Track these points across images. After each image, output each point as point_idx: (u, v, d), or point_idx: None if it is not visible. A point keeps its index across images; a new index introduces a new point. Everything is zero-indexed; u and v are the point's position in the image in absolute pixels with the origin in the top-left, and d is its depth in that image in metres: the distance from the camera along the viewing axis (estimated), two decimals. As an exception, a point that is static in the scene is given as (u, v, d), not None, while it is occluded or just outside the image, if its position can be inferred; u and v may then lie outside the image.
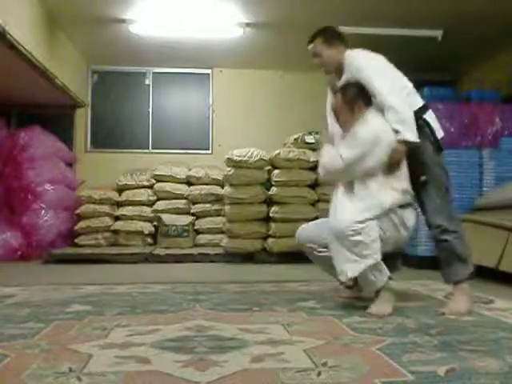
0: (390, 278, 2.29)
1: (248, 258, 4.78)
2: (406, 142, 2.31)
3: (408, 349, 1.68)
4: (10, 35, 3.86)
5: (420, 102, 2.50)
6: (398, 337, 1.85)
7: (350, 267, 2.22)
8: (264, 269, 4.31)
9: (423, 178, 2.42)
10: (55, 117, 6.17)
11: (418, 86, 4.57)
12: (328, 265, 2.43)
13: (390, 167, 2.33)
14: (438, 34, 5.10)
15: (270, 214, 4.77)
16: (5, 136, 5.46)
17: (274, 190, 4.81)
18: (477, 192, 4.26)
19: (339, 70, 2.57)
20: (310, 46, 2.60)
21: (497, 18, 4.74)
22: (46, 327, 2.00)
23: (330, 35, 2.59)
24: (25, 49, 4.16)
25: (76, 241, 5.59)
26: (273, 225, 4.77)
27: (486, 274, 3.53)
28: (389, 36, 5.16)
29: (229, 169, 4.84)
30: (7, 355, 1.61)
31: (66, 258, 4.78)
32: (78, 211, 5.67)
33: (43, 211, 5.23)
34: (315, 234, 2.51)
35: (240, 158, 4.75)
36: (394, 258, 2.69)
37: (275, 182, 4.82)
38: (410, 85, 2.57)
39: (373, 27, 5.01)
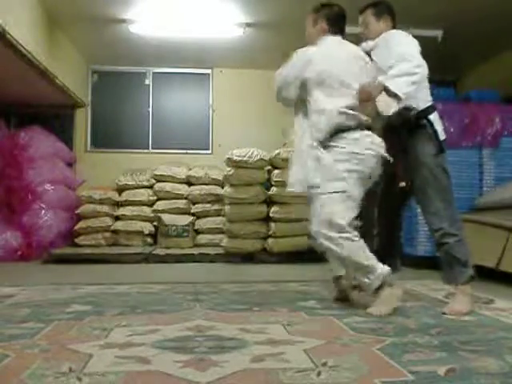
0: (389, 283, 2.29)
1: (248, 258, 4.78)
2: (382, 88, 2.26)
3: (408, 349, 1.68)
4: (10, 35, 3.86)
5: (429, 102, 2.51)
6: (398, 337, 1.85)
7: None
8: (264, 269, 4.31)
9: (402, 184, 2.45)
10: (55, 117, 6.17)
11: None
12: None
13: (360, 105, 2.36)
14: (437, 33, 5.10)
15: (270, 214, 4.77)
16: (5, 136, 5.46)
17: (273, 189, 4.81)
18: (477, 192, 4.26)
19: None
20: (361, 17, 2.75)
21: (497, 17, 4.74)
22: (45, 327, 2.00)
23: (381, 8, 2.68)
24: (25, 49, 4.16)
25: (76, 241, 5.59)
26: (273, 225, 4.77)
27: (486, 274, 3.53)
28: (389, 36, 5.15)
29: (229, 169, 4.84)
30: (7, 355, 1.61)
31: (66, 257, 4.77)
32: (78, 211, 5.67)
33: (43, 211, 5.23)
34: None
35: (240, 158, 4.75)
36: (394, 259, 2.70)
37: (275, 182, 4.82)
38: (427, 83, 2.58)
39: (373, 27, 5.00)
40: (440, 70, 6.31)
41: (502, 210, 3.80)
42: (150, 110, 6.53)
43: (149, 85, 6.54)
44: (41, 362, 1.55)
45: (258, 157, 4.79)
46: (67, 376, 1.41)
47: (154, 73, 6.55)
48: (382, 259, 2.44)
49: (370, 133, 2.38)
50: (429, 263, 4.12)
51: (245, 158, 4.74)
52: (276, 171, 4.85)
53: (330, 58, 2.47)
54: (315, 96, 2.40)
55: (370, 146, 2.33)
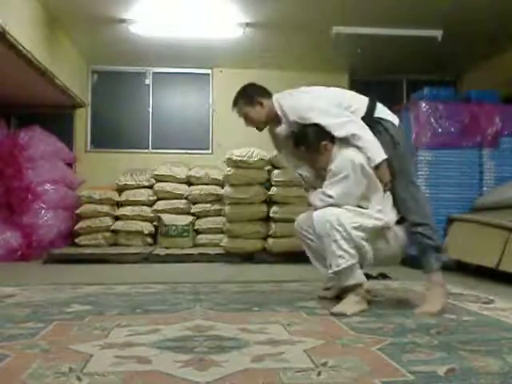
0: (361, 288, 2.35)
1: (248, 258, 4.78)
2: (380, 164, 2.35)
3: (408, 349, 1.68)
4: (10, 35, 3.86)
5: (364, 103, 2.50)
6: (398, 337, 1.85)
7: (335, 262, 2.26)
8: (264, 269, 4.31)
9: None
10: (55, 117, 6.18)
11: (418, 85, 4.62)
12: (318, 255, 2.48)
13: (385, 189, 2.39)
14: (437, 34, 5.09)
15: (270, 214, 4.78)
16: (5, 136, 5.46)
17: (274, 189, 4.81)
18: (477, 192, 4.26)
19: (273, 120, 2.60)
20: (235, 111, 2.66)
21: (497, 17, 4.74)
22: (45, 327, 2.00)
23: (249, 94, 2.62)
24: (25, 49, 4.16)
25: (76, 241, 5.59)
26: (273, 225, 4.78)
27: (486, 274, 3.54)
28: (389, 36, 5.16)
29: (229, 169, 4.84)
30: (7, 355, 1.61)
31: (66, 258, 4.78)
32: (77, 211, 5.67)
33: (43, 211, 5.24)
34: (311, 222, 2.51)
35: (240, 158, 4.75)
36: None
37: (275, 182, 4.82)
38: (346, 94, 2.60)
39: (373, 27, 5.02)
40: (440, 70, 6.34)
41: (502, 210, 3.80)
42: (150, 110, 6.53)
43: (149, 85, 6.54)
44: (41, 361, 1.55)
45: (258, 157, 4.79)
46: (67, 376, 1.41)
47: (153, 73, 6.55)
48: None
49: None
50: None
51: (245, 158, 4.75)
52: (276, 171, 4.85)
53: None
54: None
55: None
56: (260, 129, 2.70)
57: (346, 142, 2.40)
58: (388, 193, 2.41)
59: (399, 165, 2.44)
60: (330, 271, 2.31)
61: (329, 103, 2.46)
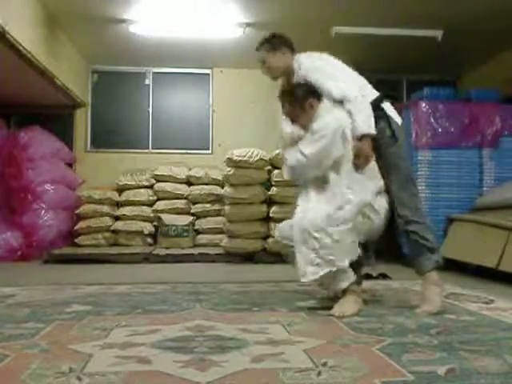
0: (358, 283, 2.34)
1: (248, 257, 4.78)
2: (365, 136, 2.32)
3: (408, 349, 1.68)
4: (10, 35, 3.86)
5: (374, 94, 2.52)
6: (398, 337, 1.85)
7: (311, 270, 2.21)
8: (264, 269, 4.31)
9: None
10: (55, 117, 6.18)
11: (418, 85, 4.61)
12: None
13: (360, 164, 2.33)
14: (437, 34, 5.10)
15: (270, 214, 4.77)
16: (5, 136, 5.46)
17: (274, 190, 4.81)
18: (477, 192, 4.26)
19: (287, 74, 2.61)
20: (258, 54, 2.66)
21: (497, 17, 4.74)
22: (45, 327, 2.00)
23: (275, 41, 2.64)
24: (25, 49, 4.16)
25: (76, 241, 5.59)
26: (273, 225, 4.77)
27: (486, 274, 3.54)
28: (389, 36, 5.16)
29: (229, 169, 4.84)
30: (7, 355, 1.61)
31: (66, 258, 4.77)
32: (77, 211, 5.67)
33: (43, 211, 5.24)
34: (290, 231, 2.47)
35: (240, 158, 4.75)
36: (367, 257, 2.72)
37: (275, 182, 4.82)
38: (362, 78, 2.61)
39: (373, 27, 5.02)
40: (440, 69, 6.33)
41: (502, 210, 3.80)
42: (150, 110, 6.53)
43: (149, 85, 6.54)
44: (41, 362, 1.55)
45: (258, 157, 4.79)
46: (67, 376, 1.41)
47: (153, 73, 6.55)
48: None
49: None
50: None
51: (245, 158, 4.74)
52: (276, 171, 4.85)
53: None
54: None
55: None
56: (275, 78, 2.68)
57: (338, 105, 2.38)
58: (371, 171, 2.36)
59: (397, 161, 2.44)
60: (305, 279, 2.23)
61: (349, 76, 2.50)
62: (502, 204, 3.88)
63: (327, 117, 2.33)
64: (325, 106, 2.38)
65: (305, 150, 2.31)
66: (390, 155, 2.43)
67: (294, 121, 2.48)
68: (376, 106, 2.45)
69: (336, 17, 4.86)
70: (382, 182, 2.40)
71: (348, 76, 2.51)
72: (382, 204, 2.37)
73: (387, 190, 2.45)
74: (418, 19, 4.86)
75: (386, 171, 2.44)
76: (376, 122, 2.40)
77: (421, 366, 1.49)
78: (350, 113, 2.34)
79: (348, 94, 2.36)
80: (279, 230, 2.54)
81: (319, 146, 2.28)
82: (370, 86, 2.58)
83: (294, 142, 2.46)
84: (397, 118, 2.52)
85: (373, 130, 2.35)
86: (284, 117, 2.56)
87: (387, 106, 2.53)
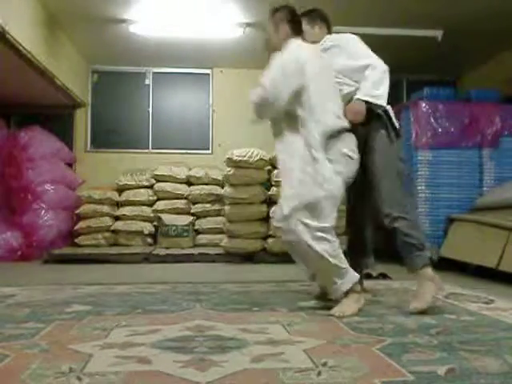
0: (359, 283, 2.34)
1: (248, 257, 4.78)
2: (359, 101, 2.38)
3: (408, 349, 1.68)
4: (10, 35, 3.86)
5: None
6: (398, 337, 1.85)
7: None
8: (264, 269, 4.31)
9: None
10: (55, 117, 6.18)
11: (418, 85, 4.59)
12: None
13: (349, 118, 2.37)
14: (438, 34, 5.10)
15: (270, 214, 4.77)
16: (5, 136, 5.46)
17: (274, 190, 4.81)
18: (477, 192, 4.26)
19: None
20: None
21: (497, 17, 4.74)
22: (45, 327, 2.00)
23: (316, 15, 2.74)
24: (25, 49, 4.16)
25: (76, 241, 5.59)
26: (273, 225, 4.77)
27: (486, 274, 3.54)
28: (389, 36, 5.16)
29: (229, 169, 4.84)
30: (7, 355, 1.61)
31: (66, 258, 4.77)
32: (77, 211, 5.67)
33: (43, 211, 5.24)
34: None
35: (240, 158, 4.75)
36: (363, 258, 2.73)
37: (275, 181, 4.82)
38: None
39: (373, 27, 5.02)
40: (440, 69, 6.33)
41: (502, 210, 3.80)
42: (150, 110, 6.53)
43: (149, 85, 6.54)
44: (41, 362, 1.55)
45: (258, 157, 4.79)
46: (67, 376, 1.41)
47: (153, 73, 6.55)
48: (351, 257, 2.55)
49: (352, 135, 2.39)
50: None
51: (245, 158, 4.74)
52: (276, 171, 4.84)
53: (316, 61, 2.38)
54: (312, 104, 2.27)
55: (354, 148, 2.36)
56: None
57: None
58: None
59: (390, 158, 2.43)
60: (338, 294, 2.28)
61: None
62: (502, 204, 3.88)
63: (293, 49, 2.33)
64: (297, 42, 2.39)
65: (262, 79, 2.30)
66: (386, 153, 2.42)
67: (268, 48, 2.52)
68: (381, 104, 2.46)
69: (336, 17, 4.84)
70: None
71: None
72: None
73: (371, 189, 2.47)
74: (418, 19, 4.86)
75: (376, 167, 2.44)
76: (378, 120, 2.43)
77: (421, 366, 1.49)
78: (363, 77, 2.39)
79: (377, 62, 2.43)
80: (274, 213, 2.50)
81: (274, 72, 2.27)
82: None
83: None
84: (397, 123, 2.53)
85: (376, 100, 2.37)
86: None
87: (390, 110, 2.53)
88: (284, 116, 2.34)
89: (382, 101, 2.43)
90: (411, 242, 2.34)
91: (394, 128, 2.48)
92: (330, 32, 2.72)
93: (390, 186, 2.41)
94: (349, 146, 2.33)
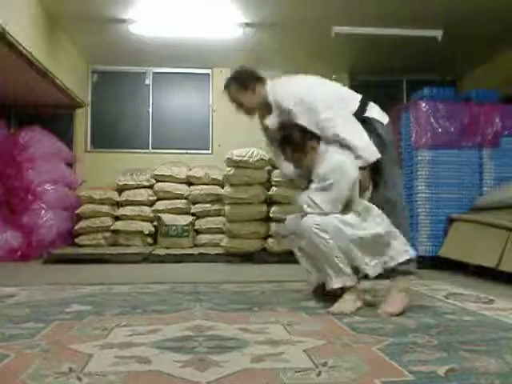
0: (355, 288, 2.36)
1: (248, 258, 4.78)
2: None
3: (408, 349, 1.68)
4: (10, 35, 3.86)
5: (356, 99, 2.46)
6: (398, 337, 1.85)
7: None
8: (264, 269, 4.31)
9: None
10: (55, 117, 6.18)
11: (418, 85, 4.60)
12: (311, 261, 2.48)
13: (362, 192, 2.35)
14: (438, 34, 5.10)
15: (270, 214, 4.77)
16: (5, 136, 5.46)
17: (273, 189, 4.81)
18: (477, 192, 4.26)
19: (265, 108, 2.55)
20: (225, 93, 2.63)
21: (497, 18, 4.74)
22: (46, 327, 2.00)
23: (243, 78, 2.58)
24: (25, 49, 4.16)
25: (76, 241, 5.59)
26: (273, 225, 4.77)
27: (486, 274, 3.54)
28: (389, 36, 5.16)
29: (229, 169, 4.84)
30: (7, 355, 1.61)
31: (66, 257, 4.77)
32: (77, 211, 5.67)
33: (43, 211, 5.23)
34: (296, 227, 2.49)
35: (240, 158, 4.75)
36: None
37: (275, 181, 4.82)
38: (339, 87, 2.55)
39: (373, 27, 5.02)
40: (440, 70, 6.33)
41: (502, 210, 3.80)
42: (150, 110, 6.54)
43: (149, 85, 6.54)
44: (41, 362, 1.55)
45: (258, 157, 4.79)
46: (67, 376, 1.41)
47: (153, 73, 6.55)
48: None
49: None
50: (429, 263, 4.12)
51: (245, 158, 4.74)
52: (276, 171, 4.84)
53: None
54: None
55: None
56: (250, 115, 2.66)
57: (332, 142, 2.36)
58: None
59: (387, 166, 2.40)
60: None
61: (325, 94, 2.42)
62: (502, 204, 3.88)
63: (331, 160, 2.31)
64: (326, 148, 2.37)
65: (316, 198, 2.31)
66: (382, 161, 2.37)
67: (297, 166, 2.49)
68: (361, 119, 2.39)
69: (336, 17, 4.86)
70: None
71: (332, 98, 2.42)
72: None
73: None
74: (418, 19, 4.86)
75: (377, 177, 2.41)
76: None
77: (421, 366, 1.49)
78: (348, 147, 2.31)
79: (337, 129, 2.31)
80: (288, 225, 2.58)
81: (330, 194, 2.28)
82: (349, 92, 2.52)
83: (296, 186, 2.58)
84: (382, 119, 2.46)
85: (378, 154, 2.32)
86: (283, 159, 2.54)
87: (371, 108, 2.46)
88: None
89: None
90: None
91: (380, 136, 2.40)
92: (263, 82, 2.58)
93: (374, 194, 2.39)
94: None
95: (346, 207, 2.32)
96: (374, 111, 2.48)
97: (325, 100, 2.37)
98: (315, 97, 2.38)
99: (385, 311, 2.25)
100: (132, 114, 6.53)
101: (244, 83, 2.55)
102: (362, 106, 2.45)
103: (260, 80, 2.58)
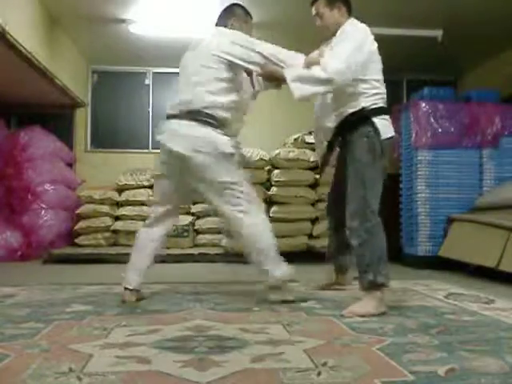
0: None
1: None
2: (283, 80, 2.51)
3: (408, 349, 1.68)
4: (10, 35, 3.86)
5: (379, 103, 2.48)
6: (398, 337, 1.85)
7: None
8: (264, 269, 4.30)
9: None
10: (55, 117, 6.17)
11: (418, 85, 4.59)
12: None
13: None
14: (438, 34, 5.10)
15: (270, 214, 4.76)
16: (5, 136, 5.46)
17: (273, 189, 4.81)
18: (477, 192, 4.26)
19: (332, 35, 2.62)
20: (313, 8, 2.67)
21: (496, 18, 4.74)
22: (45, 327, 2.00)
23: None
24: (25, 49, 4.16)
25: (76, 241, 5.58)
26: (273, 225, 4.76)
27: (486, 274, 3.54)
28: (389, 36, 5.16)
29: (229, 169, 4.82)
30: (7, 355, 1.61)
31: (66, 257, 4.77)
32: (78, 211, 5.66)
33: (43, 211, 5.23)
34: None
35: (240, 158, 4.74)
36: (345, 259, 2.78)
37: (275, 181, 4.81)
38: (380, 77, 2.69)
39: (373, 27, 4.99)
40: (440, 69, 6.33)
41: (502, 210, 3.80)
42: (150, 110, 6.53)
43: (149, 85, 6.54)
44: (41, 362, 1.55)
45: (258, 157, 4.79)
46: (67, 376, 1.41)
47: (153, 73, 6.55)
48: (335, 257, 2.74)
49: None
50: (429, 263, 4.12)
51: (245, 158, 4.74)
52: (276, 171, 4.84)
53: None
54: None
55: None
56: (327, 34, 2.70)
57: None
58: None
59: (364, 169, 2.31)
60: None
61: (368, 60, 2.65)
62: (502, 204, 3.88)
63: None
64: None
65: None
66: (357, 159, 2.34)
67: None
68: (367, 116, 2.38)
69: (336, 17, 4.85)
70: None
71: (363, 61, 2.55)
72: None
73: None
74: (418, 19, 4.86)
75: (350, 176, 2.36)
76: (363, 130, 2.35)
77: (421, 366, 1.49)
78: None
79: (329, 64, 2.39)
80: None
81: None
82: (383, 95, 2.60)
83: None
84: (385, 133, 2.37)
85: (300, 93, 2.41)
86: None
87: (382, 122, 2.39)
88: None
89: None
90: (359, 262, 2.28)
91: (379, 142, 2.35)
92: (350, 14, 2.70)
93: (357, 199, 2.30)
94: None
95: None
96: (385, 123, 2.42)
97: (368, 60, 2.59)
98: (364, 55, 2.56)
99: (351, 311, 2.23)
100: (132, 114, 6.53)
101: (333, 1, 2.66)
102: (378, 111, 2.43)
103: (348, 8, 2.77)
